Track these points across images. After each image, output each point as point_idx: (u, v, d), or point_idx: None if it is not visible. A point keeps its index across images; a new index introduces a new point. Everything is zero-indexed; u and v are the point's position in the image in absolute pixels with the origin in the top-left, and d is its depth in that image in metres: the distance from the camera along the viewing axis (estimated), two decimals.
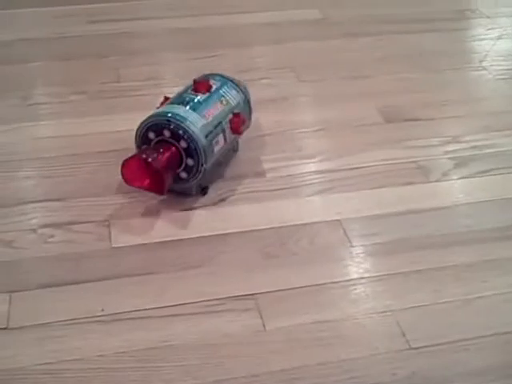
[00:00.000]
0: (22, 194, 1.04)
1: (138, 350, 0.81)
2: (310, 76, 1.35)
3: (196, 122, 0.98)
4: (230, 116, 1.03)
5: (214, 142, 0.99)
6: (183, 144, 0.96)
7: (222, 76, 1.10)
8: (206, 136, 0.98)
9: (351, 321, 0.85)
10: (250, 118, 1.09)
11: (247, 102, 1.08)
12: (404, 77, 1.35)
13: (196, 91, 1.03)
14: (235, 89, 1.07)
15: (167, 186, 0.96)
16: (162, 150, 0.96)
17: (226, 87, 1.07)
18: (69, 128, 1.18)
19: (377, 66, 1.38)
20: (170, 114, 0.98)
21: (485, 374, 0.79)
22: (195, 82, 1.05)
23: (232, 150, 1.10)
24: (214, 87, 1.06)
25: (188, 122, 0.97)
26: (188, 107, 0.99)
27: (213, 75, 1.09)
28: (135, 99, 1.26)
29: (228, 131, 1.02)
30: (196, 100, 1.01)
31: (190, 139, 0.96)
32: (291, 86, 1.32)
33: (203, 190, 1.02)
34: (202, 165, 0.97)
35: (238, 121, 1.03)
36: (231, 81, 1.09)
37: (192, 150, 0.96)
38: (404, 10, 1.60)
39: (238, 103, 1.06)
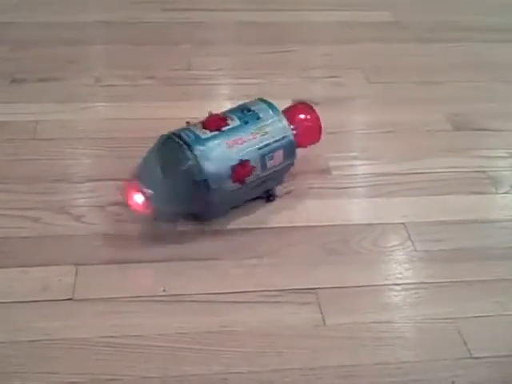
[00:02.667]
0: (92, 171, 1.06)
1: (198, 332, 0.82)
2: (378, 78, 1.34)
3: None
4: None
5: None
6: None
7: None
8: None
9: (412, 324, 0.85)
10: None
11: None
12: (475, 85, 1.33)
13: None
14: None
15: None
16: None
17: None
18: (139, 111, 1.20)
19: (447, 73, 1.36)
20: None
21: None
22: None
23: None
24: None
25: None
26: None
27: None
28: (205, 88, 1.28)
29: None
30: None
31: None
32: (359, 87, 1.32)
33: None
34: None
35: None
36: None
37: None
38: (478, 18, 1.57)
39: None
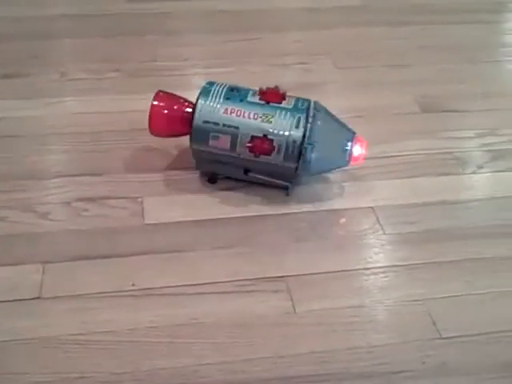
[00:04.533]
0: (59, 168, 1.05)
1: (168, 325, 0.81)
2: (347, 63, 1.34)
3: (209, 105, 0.95)
4: (257, 134, 0.94)
5: (211, 134, 0.95)
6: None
7: (314, 109, 0.96)
8: (205, 122, 0.95)
9: (382, 308, 0.85)
10: (293, 162, 0.96)
11: (300, 146, 0.94)
12: (443, 67, 1.33)
13: (263, 95, 0.97)
14: (298, 125, 0.94)
15: (156, 123, 0.98)
16: (177, 105, 0.99)
17: (290, 113, 0.95)
18: (106, 105, 1.19)
19: (416, 56, 1.36)
20: (206, 86, 0.98)
21: None
22: (270, 90, 0.98)
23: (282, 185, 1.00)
24: (280, 103, 0.96)
25: (202, 100, 0.96)
26: (228, 94, 0.97)
27: (316, 106, 0.98)
28: (172, 79, 1.26)
29: (242, 144, 0.94)
30: (242, 95, 0.97)
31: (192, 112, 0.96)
32: (328, 72, 1.31)
33: (211, 179, 1.01)
34: (191, 140, 0.96)
35: (259, 144, 0.94)
36: (309, 119, 0.95)
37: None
38: (445, 1, 1.57)
39: (280, 134, 0.94)
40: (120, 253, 0.91)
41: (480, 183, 1.06)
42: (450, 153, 1.10)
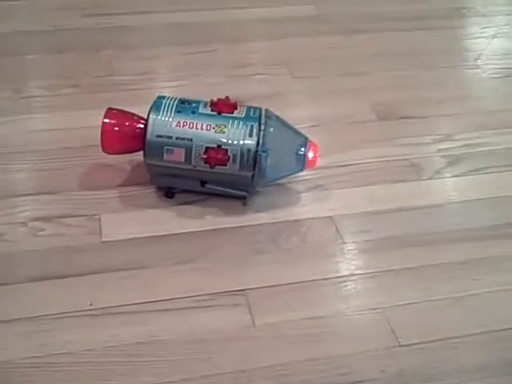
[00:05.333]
0: (14, 187, 1.03)
1: (126, 344, 0.80)
2: (304, 72, 1.34)
3: (161, 119, 0.95)
4: (211, 145, 0.94)
5: (165, 148, 0.94)
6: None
7: (265, 116, 0.97)
8: (158, 136, 0.94)
9: (341, 317, 0.85)
10: (249, 170, 0.96)
11: (254, 154, 0.94)
12: (398, 74, 1.34)
13: (214, 106, 0.97)
14: (251, 133, 0.94)
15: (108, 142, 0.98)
16: (128, 122, 0.99)
17: (242, 122, 0.95)
18: (62, 121, 1.17)
19: (371, 63, 1.37)
20: (157, 100, 0.98)
21: (474, 372, 0.79)
22: (221, 101, 0.98)
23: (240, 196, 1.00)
24: (232, 113, 0.96)
25: (153, 115, 0.96)
26: (179, 107, 0.97)
27: (267, 113, 0.98)
28: (128, 93, 1.26)
29: (197, 155, 0.94)
30: (194, 107, 0.97)
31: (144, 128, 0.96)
32: (285, 83, 1.32)
33: (168, 193, 1.00)
34: (144, 155, 0.96)
35: (214, 155, 0.94)
36: (261, 127, 0.95)
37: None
38: (399, 8, 1.59)
39: (234, 143, 0.94)
40: (77, 272, 0.89)
41: (437, 189, 1.07)
42: (407, 159, 1.11)
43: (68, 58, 1.37)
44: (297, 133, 1.01)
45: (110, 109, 1.01)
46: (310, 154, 0.99)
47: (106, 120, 0.99)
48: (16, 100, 1.24)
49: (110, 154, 1.01)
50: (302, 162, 0.99)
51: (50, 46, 1.40)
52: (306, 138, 1.00)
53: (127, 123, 1.00)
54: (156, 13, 1.55)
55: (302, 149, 0.98)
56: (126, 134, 0.99)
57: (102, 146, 0.99)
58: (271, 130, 0.96)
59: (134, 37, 1.45)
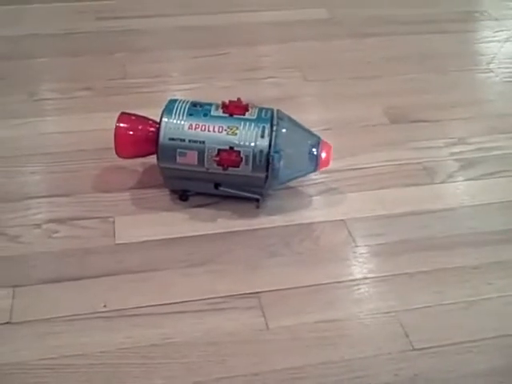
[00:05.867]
0: (28, 189, 1.04)
1: (140, 346, 0.81)
2: (316, 76, 1.35)
3: (174, 122, 0.96)
4: (223, 147, 0.94)
5: (178, 151, 0.95)
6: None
7: (277, 117, 0.97)
8: (171, 139, 0.95)
9: (355, 321, 0.85)
10: (262, 171, 0.96)
11: (266, 155, 0.94)
12: (410, 78, 1.35)
13: (226, 108, 0.97)
14: (263, 134, 0.95)
15: (122, 146, 0.99)
16: (141, 126, 1.00)
17: (254, 123, 0.96)
18: (75, 124, 1.18)
19: (383, 67, 1.38)
20: (169, 104, 0.98)
21: (488, 376, 0.79)
22: (233, 103, 0.98)
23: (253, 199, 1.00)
24: (244, 114, 0.96)
25: (166, 118, 0.96)
26: (191, 110, 0.97)
27: (279, 114, 0.98)
28: (141, 96, 1.26)
29: (210, 158, 0.95)
30: (206, 109, 0.97)
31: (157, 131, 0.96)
32: (297, 86, 1.32)
33: (182, 196, 1.01)
34: (158, 159, 0.97)
35: (226, 157, 0.94)
36: (273, 128, 0.95)
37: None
38: (411, 11, 1.59)
39: (246, 145, 0.94)
40: (91, 274, 0.90)
41: (450, 192, 1.07)
42: (420, 163, 1.11)
43: (81, 61, 1.38)
44: (309, 133, 1.01)
45: (123, 113, 1.02)
46: (323, 154, 0.99)
47: (120, 124, 0.99)
48: (30, 103, 1.25)
49: (123, 158, 1.02)
50: (315, 162, 0.99)
51: (63, 49, 1.41)
52: (319, 138, 1.00)
53: (140, 127, 1.01)
54: (168, 16, 1.56)
55: (315, 149, 0.99)
56: (139, 138, 1.00)
57: (116, 150, 1.00)
58: (283, 130, 0.97)
59: (147, 40, 1.46)
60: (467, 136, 1.18)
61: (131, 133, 1.01)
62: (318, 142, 0.99)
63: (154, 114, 1.00)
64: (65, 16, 1.54)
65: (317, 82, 1.33)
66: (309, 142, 1.00)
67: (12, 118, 1.19)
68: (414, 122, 1.22)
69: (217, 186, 0.99)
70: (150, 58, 1.40)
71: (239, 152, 0.95)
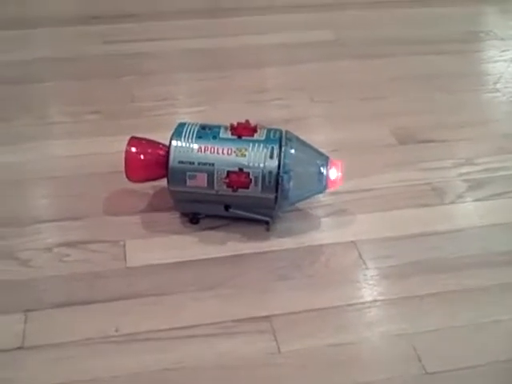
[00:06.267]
0: (38, 213, 1.05)
1: (151, 371, 0.81)
2: (322, 97, 1.35)
3: (183, 146, 0.96)
4: (232, 168, 0.95)
5: (188, 174, 0.96)
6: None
7: (285, 138, 0.98)
8: (181, 162, 0.96)
9: (366, 344, 0.85)
10: (273, 193, 0.96)
11: (276, 176, 0.95)
12: (417, 98, 1.35)
13: (234, 130, 0.98)
14: (272, 155, 0.95)
15: (132, 170, 1.00)
16: (151, 149, 1.01)
17: (263, 145, 0.96)
18: (84, 147, 1.19)
19: (390, 88, 1.38)
20: (178, 127, 0.99)
21: None
22: (241, 125, 0.99)
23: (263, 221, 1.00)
24: (252, 136, 0.97)
25: (175, 141, 0.97)
26: (200, 133, 0.98)
27: (287, 135, 0.99)
28: (149, 119, 1.27)
29: (219, 180, 0.95)
30: (214, 132, 0.98)
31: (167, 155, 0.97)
32: (304, 107, 1.33)
33: (193, 219, 1.01)
34: (168, 182, 0.98)
35: (236, 179, 0.95)
36: (282, 149, 0.96)
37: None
38: (417, 32, 1.60)
39: (255, 166, 0.95)
40: (103, 298, 0.90)
41: (459, 213, 1.07)
42: (429, 183, 1.11)
43: (89, 84, 1.39)
44: (318, 152, 1.01)
45: (133, 137, 1.02)
46: (332, 173, 0.99)
47: (130, 149, 1.00)
48: (39, 126, 1.26)
49: (134, 182, 1.03)
50: (325, 182, 0.99)
51: (71, 72, 1.43)
52: (327, 158, 1.00)
53: (150, 151, 1.01)
54: (175, 39, 1.57)
55: (324, 168, 0.99)
56: (149, 162, 1.01)
57: (127, 174, 1.00)
58: (292, 151, 0.97)
59: (154, 63, 1.47)
60: (474, 156, 1.19)
61: (142, 157, 1.02)
62: (326, 161, 1.00)
63: (162, 137, 1.01)
64: (72, 40, 1.56)
65: (324, 103, 1.34)
66: (318, 161, 1.00)
67: (21, 142, 1.20)
68: (422, 142, 1.22)
69: (227, 207, 1.00)
70: (158, 81, 1.41)
71: (248, 173, 0.95)
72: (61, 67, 1.45)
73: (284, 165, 0.96)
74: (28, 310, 0.87)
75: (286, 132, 1.00)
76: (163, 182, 0.99)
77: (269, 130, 1.00)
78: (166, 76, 1.43)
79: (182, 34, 1.59)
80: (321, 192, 1.02)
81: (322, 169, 0.99)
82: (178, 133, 0.98)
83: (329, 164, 1.00)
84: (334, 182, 1.00)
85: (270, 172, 0.95)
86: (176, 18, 1.66)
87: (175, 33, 1.60)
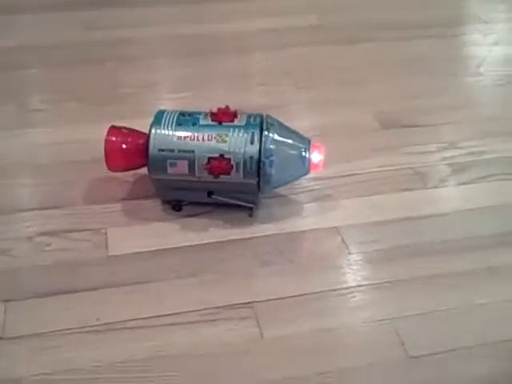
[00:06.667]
0: (19, 202, 1.04)
1: (134, 360, 0.80)
2: (306, 82, 1.35)
3: (163, 133, 0.96)
4: (213, 155, 0.94)
5: (168, 161, 0.95)
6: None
7: (266, 123, 0.97)
8: (161, 150, 0.95)
9: (350, 329, 0.85)
10: (253, 177, 0.96)
11: (257, 161, 0.94)
12: (401, 83, 1.35)
13: (214, 116, 0.97)
14: (253, 140, 0.94)
15: (113, 161, 0.99)
16: (131, 139, 1.00)
17: (243, 130, 0.95)
18: (66, 135, 1.17)
19: (374, 72, 1.38)
20: (157, 115, 0.98)
21: (486, 383, 0.79)
22: (221, 110, 0.98)
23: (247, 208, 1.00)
24: (232, 121, 0.96)
25: (155, 129, 0.96)
26: (179, 120, 0.97)
27: (268, 119, 0.98)
28: (133, 106, 1.26)
29: (200, 166, 0.95)
30: (194, 118, 0.97)
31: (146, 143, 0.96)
32: (288, 93, 1.32)
33: (175, 207, 1.00)
34: (149, 170, 0.97)
35: (217, 165, 0.94)
36: (263, 133, 0.95)
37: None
38: (401, 16, 1.60)
39: (236, 151, 0.94)
40: (84, 287, 0.89)
41: (443, 197, 1.07)
42: (412, 168, 1.11)
43: (71, 71, 1.38)
44: (300, 136, 1.01)
45: (112, 127, 1.01)
46: (315, 156, 0.99)
47: (109, 139, 0.99)
48: (20, 114, 1.24)
49: (115, 172, 1.02)
50: (308, 165, 0.99)
51: (53, 59, 1.41)
52: (309, 141, 1.00)
53: (129, 140, 1.00)
54: (157, 25, 1.56)
55: (306, 151, 0.98)
56: (129, 152, 1.00)
57: (107, 165, 0.99)
58: (273, 135, 0.97)
59: (137, 49, 1.46)
60: (458, 140, 1.18)
61: (121, 147, 1.01)
62: (308, 144, 0.99)
63: (145, 123, 0.99)
64: (54, 26, 1.54)
65: (307, 88, 1.33)
66: (300, 145, 0.99)
67: (2, 130, 1.19)
68: (406, 126, 1.22)
69: (210, 194, 0.99)
70: (141, 67, 1.39)
71: (229, 159, 0.95)
72: (43, 54, 1.43)
73: (265, 150, 0.95)
74: (8, 300, 0.87)
75: (267, 116, 0.99)
76: (145, 170, 0.98)
77: (249, 115, 0.99)
78: (149, 62, 1.42)
79: (165, 19, 1.58)
80: (304, 175, 1.01)
81: (304, 152, 0.99)
82: (157, 120, 0.98)
83: (311, 147, 0.99)
84: (317, 165, 1.00)
85: (251, 157, 0.95)
86: (160, 4, 1.64)
87: (159, 18, 1.58)
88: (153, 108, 1.03)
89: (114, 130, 1.01)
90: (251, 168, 0.95)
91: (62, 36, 1.50)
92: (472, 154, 1.15)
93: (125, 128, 1.02)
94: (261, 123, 0.97)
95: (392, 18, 1.59)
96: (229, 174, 0.95)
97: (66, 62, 1.40)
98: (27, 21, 1.57)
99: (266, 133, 0.96)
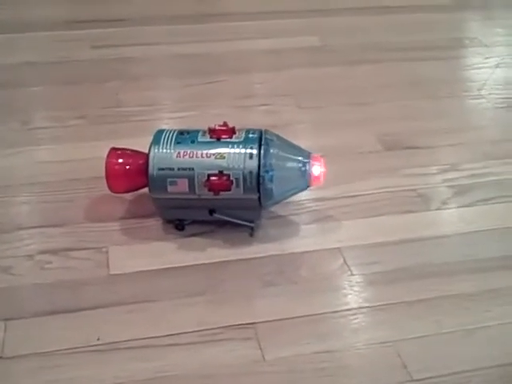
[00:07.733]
0: (20, 220, 1.03)
1: (135, 380, 0.79)
2: (309, 103, 1.35)
3: (162, 152, 0.96)
4: (212, 171, 0.94)
5: (168, 180, 0.95)
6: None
7: (265, 137, 0.97)
8: (160, 169, 0.95)
9: (352, 351, 0.84)
10: (254, 193, 0.96)
11: (257, 176, 0.94)
12: (403, 104, 1.35)
13: (212, 133, 0.98)
14: (252, 155, 0.95)
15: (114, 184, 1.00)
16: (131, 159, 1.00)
17: (242, 145, 0.96)
18: (68, 153, 1.18)
19: (376, 94, 1.38)
20: (156, 134, 0.99)
21: None
22: (220, 127, 0.98)
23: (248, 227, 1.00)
24: (231, 137, 0.97)
25: (154, 149, 0.96)
26: (178, 138, 0.97)
27: (267, 134, 0.99)
28: (135, 124, 1.26)
29: (200, 183, 0.95)
30: (193, 136, 0.98)
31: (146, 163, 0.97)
32: (291, 113, 1.32)
33: (178, 226, 1.00)
34: (150, 190, 0.97)
35: (216, 182, 0.94)
36: (262, 148, 0.96)
37: None
38: (403, 38, 1.61)
39: (235, 167, 0.94)
40: (85, 306, 0.88)
41: (444, 219, 1.07)
42: (414, 190, 1.11)
43: (75, 89, 1.38)
44: (299, 149, 1.01)
45: (112, 149, 1.01)
46: (316, 169, 0.99)
47: (110, 162, 1.00)
48: (23, 131, 1.25)
49: (117, 193, 1.02)
50: (308, 178, 0.99)
51: (58, 77, 1.42)
52: (309, 153, 1.00)
53: (130, 161, 1.01)
54: (160, 44, 1.57)
55: (306, 164, 0.98)
56: (130, 174, 1.00)
57: (109, 187, 1.00)
58: (272, 150, 0.97)
59: (140, 68, 1.46)
60: (460, 162, 1.18)
61: (122, 169, 1.01)
62: (308, 157, 0.99)
63: (147, 142, 0.99)
64: (60, 44, 1.55)
65: (310, 109, 1.33)
66: (300, 158, 0.99)
67: (5, 148, 1.19)
68: (407, 148, 1.22)
69: (211, 212, 0.99)
70: (144, 86, 1.40)
71: (229, 175, 0.95)
72: (47, 72, 1.44)
73: (264, 164, 0.95)
74: (8, 319, 0.86)
75: (266, 131, 0.99)
76: (146, 188, 0.98)
77: (247, 131, 0.99)
78: (152, 81, 1.43)
79: (169, 39, 1.59)
80: (305, 189, 1.01)
81: (304, 166, 0.99)
82: (156, 140, 0.98)
83: (311, 160, 0.99)
84: (318, 177, 1.00)
85: (251, 172, 0.95)
86: (163, 23, 1.65)
87: (162, 38, 1.59)
88: (155, 127, 1.04)
89: (114, 152, 1.01)
90: (251, 183, 0.95)
91: (66, 54, 1.50)
92: (473, 176, 1.15)
93: (125, 149, 1.02)
94: (259, 138, 0.97)
95: (393, 40, 1.60)
96: (229, 190, 0.95)
97: (70, 79, 1.41)
98: (33, 39, 1.57)
99: (264, 147, 0.96)
